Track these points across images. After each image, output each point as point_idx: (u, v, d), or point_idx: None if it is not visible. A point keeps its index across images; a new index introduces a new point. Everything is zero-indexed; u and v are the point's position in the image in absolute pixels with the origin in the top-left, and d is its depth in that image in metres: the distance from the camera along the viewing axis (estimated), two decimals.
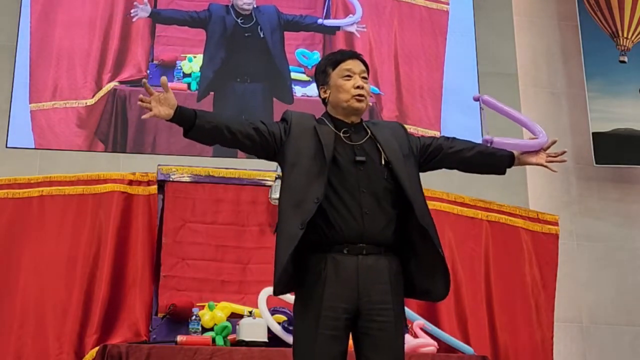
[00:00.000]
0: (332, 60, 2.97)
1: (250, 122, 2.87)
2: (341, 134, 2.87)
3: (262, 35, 6.19)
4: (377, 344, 2.73)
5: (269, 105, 6.12)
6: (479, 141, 3.25)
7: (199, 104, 5.98)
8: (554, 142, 3.24)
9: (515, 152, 3.18)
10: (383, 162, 2.84)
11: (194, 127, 2.79)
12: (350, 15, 6.40)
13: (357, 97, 2.89)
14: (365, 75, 2.95)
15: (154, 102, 2.77)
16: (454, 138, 3.12)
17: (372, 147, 2.88)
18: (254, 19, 6.23)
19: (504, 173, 3.20)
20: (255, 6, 6.26)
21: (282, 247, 2.77)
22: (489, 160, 3.14)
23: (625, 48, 6.60)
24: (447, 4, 6.69)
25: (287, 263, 2.72)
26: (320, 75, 3.00)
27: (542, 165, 3.20)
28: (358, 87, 2.90)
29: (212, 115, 3.07)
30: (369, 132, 2.92)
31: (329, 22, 6.30)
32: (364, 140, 2.89)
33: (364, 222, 2.76)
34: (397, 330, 2.76)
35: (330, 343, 2.71)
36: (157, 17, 6.19)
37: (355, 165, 2.81)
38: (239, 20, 6.19)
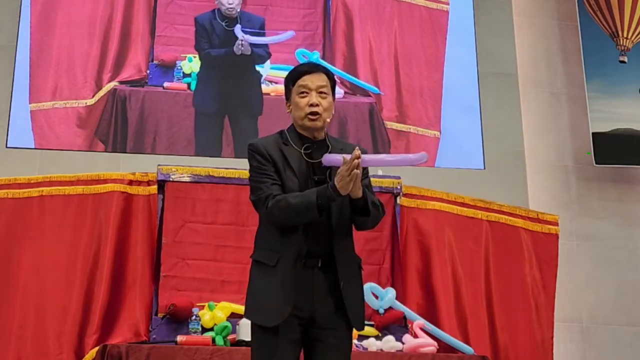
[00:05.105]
0: (292, 75, 2.91)
1: (272, 192, 2.79)
2: (302, 151, 2.84)
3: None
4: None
5: (247, 104, 6.17)
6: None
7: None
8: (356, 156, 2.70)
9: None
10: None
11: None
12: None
13: (309, 116, 2.82)
14: (323, 90, 2.85)
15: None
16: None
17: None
18: (237, 23, 6.28)
19: (361, 213, 2.82)
20: (241, 11, 6.29)
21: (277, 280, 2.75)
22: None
23: (625, 48, 6.60)
24: (447, 4, 6.69)
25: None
26: (285, 90, 2.95)
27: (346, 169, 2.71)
28: (311, 105, 2.82)
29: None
30: (330, 148, 2.87)
31: (253, 39, 6.25)
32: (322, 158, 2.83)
33: (317, 236, 2.76)
34: (340, 348, 2.77)
35: (287, 350, 2.72)
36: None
37: (314, 182, 2.79)
38: (223, 24, 6.23)
